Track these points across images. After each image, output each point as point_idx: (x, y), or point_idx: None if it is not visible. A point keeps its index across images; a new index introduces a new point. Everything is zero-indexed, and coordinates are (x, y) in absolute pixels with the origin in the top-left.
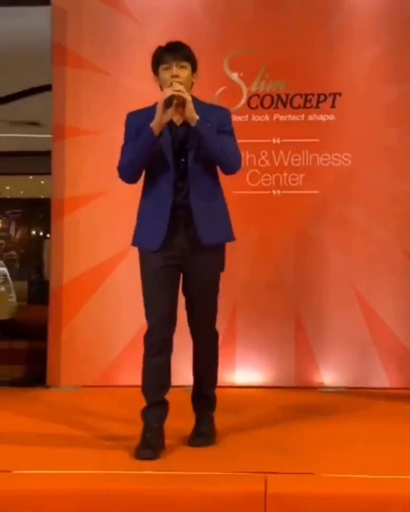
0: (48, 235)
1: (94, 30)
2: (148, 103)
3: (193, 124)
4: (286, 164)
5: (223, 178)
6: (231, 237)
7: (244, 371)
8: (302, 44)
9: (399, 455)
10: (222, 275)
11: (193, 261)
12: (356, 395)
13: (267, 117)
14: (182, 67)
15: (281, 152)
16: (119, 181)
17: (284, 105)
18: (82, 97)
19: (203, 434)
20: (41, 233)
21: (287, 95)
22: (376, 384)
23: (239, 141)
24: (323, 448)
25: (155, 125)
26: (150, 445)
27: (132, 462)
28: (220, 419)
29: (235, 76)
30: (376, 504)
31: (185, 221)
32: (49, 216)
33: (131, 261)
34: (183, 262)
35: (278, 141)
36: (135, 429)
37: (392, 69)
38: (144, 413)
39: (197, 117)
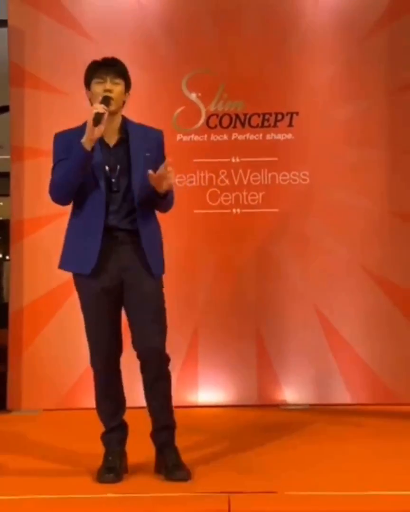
0: (7, 257)
1: (52, 51)
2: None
3: (162, 192)
4: (245, 182)
5: (184, 197)
6: (163, 268)
7: (206, 391)
8: (260, 63)
9: (362, 472)
10: (182, 294)
11: (136, 282)
12: (318, 412)
13: (225, 137)
14: (116, 83)
15: (240, 171)
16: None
17: (243, 124)
18: (41, 118)
19: (179, 465)
20: (0, 255)
21: (245, 115)
22: (338, 400)
23: (198, 160)
24: (286, 466)
25: (86, 140)
26: (113, 469)
27: (95, 485)
28: (183, 439)
29: (193, 96)
30: None
31: (120, 244)
32: (7, 238)
33: None
34: (124, 282)
35: (237, 160)
36: (98, 452)
37: (348, 88)
38: (104, 438)
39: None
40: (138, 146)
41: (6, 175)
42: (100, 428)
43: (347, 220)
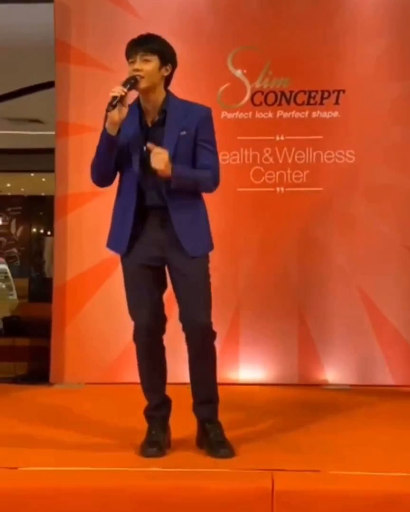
0: (48, 233)
1: (98, 27)
2: None
3: (167, 177)
4: (289, 161)
5: (228, 175)
6: (211, 246)
7: (247, 369)
8: (306, 40)
9: (404, 453)
10: (225, 273)
11: (176, 263)
12: (359, 393)
13: (270, 114)
14: (146, 60)
15: (285, 149)
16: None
17: (288, 102)
18: (85, 94)
19: (223, 442)
20: (41, 231)
21: (291, 92)
22: (379, 381)
23: (242, 138)
24: (329, 445)
25: (108, 124)
26: (156, 443)
27: (138, 459)
28: (225, 417)
29: (238, 72)
30: (382, 501)
31: (158, 222)
32: (50, 214)
33: None
34: (167, 260)
35: (282, 138)
36: (141, 426)
37: (396, 66)
38: (148, 412)
39: (169, 173)
40: (174, 124)
41: (48, 151)
42: (143, 402)
43: (392, 200)
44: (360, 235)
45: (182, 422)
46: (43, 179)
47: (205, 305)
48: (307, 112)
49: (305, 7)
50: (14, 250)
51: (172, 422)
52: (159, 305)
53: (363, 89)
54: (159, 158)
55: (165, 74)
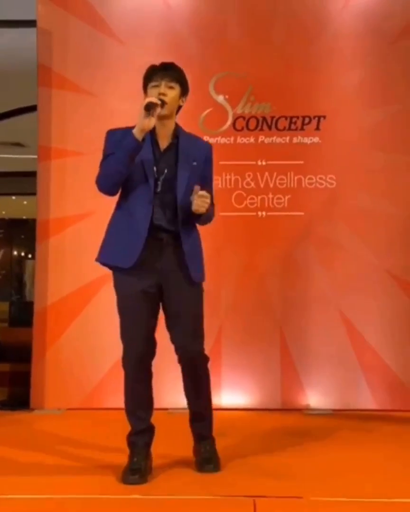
0: (30, 256)
1: (80, 52)
2: (131, 123)
3: (198, 212)
4: (271, 185)
5: None
6: (204, 275)
7: (229, 393)
8: (288, 66)
9: (387, 478)
10: (206, 297)
11: (176, 288)
12: (342, 418)
13: (252, 139)
14: (170, 87)
15: (266, 173)
16: (105, 202)
17: (269, 127)
18: (67, 118)
19: (210, 459)
20: (23, 254)
21: (272, 118)
22: (362, 406)
23: (224, 162)
24: (311, 471)
25: (137, 130)
26: (137, 470)
27: (119, 486)
28: None
29: (220, 98)
30: None
31: (163, 245)
32: (32, 237)
33: None
34: (164, 287)
35: (263, 163)
36: (121, 453)
37: (375, 93)
38: (130, 438)
39: (204, 210)
40: (186, 153)
41: (31, 174)
42: (124, 428)
43: (373, 224)
44: (341, 259)
45: (164, 450)
46: (25, 202)
47: (199, 332)
48: (288, 138)
49: (286, 34)
50: None
51: (154, 449)
52: (153, 330)
53: (343, 115)
54: (204, 201)
55: (181, 104)
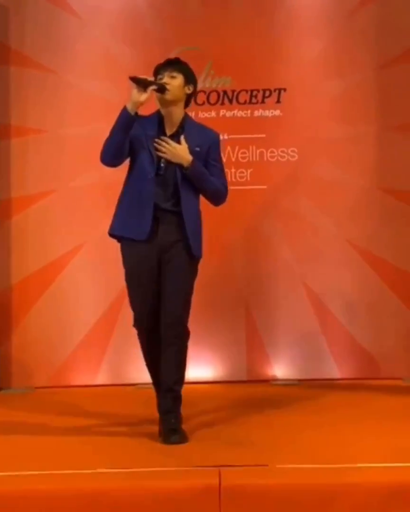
0: None
1: (37, 28)
2: (92, 98)
3: (185, 165)
4: (233, 159)
5: None
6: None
7: (195, 367)
8: (247, 39)
9: (351, 445)
10: None
11: (173, 258)
12: (308, 388)
13: (213, 113)
14: (172, 77)
15: (228, 147)
16: (67, 180)
17: (230, 101)
18: (26, 96)
19: (177, 430)
20: None
21: (233, 91)
22: (326, 375)
23: None
24: (276, 440)
25: (130, 103)
26: (177, 430)
27: (84, 461)
28: None
29: None
30: (330, 493)
31: (164, 222)
32: None
33: (82, 258)
34: (163, 260)
35: (225, 137)
36: (88, 428)
37: (334, 64)
38: (160, 402)
39: (189, 158)
40: (190, 139)
41: None
42: (92, 406)
43: (336, 196)
44: (304, 230)
45: (132, 421)
46: None
47: (188, 305)
48: (249, 111)
49: (245, 7)
50: None
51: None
52: (157, 300)
53: (304, 87)
54: (159, 147)
55: (188, 92)
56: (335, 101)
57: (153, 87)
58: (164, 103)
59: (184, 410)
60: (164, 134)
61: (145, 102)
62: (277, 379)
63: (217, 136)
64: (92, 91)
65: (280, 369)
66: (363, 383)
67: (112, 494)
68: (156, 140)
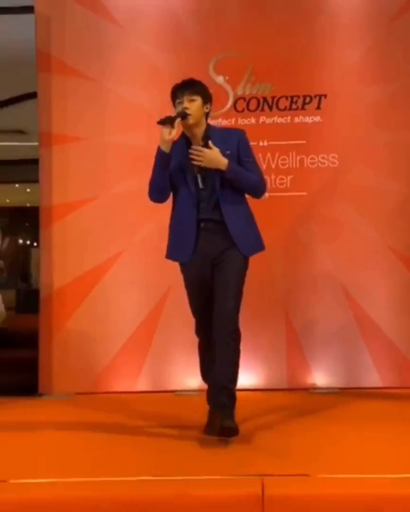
0: (35, 244)
1: (78, 37)
2: (132, 106)
3: (223, 169)
4: (273, 166)
5: None
6: (262, 246)
7: None
8: (287, 46)
9: (393, 455)
10: None
11: (225, 258)
12: (348, 396)
13: (253, 120)
14: (192, 100)
15: (268, 154)
16: (108, 187)
17: (270, 107)
18: (67, 104)
19: (231, 424)
20: (28, 242)
21: (273, 98)
22: (368, 383)
23: None
24: (318, 449)
25: (161, 142)
26: (231, 424)
27: (127, 468)
28: None
29: (220, 79)
30: (373, 503)
31: (211, 234)
32: (36, 224)
33: (121, 266)
34: (217, 263)
35: (265, 143)
36: (129, 435)
37: (376, 70)
38: (214, 397)
39: (225, 161)
40: (219, 146)
41: (33, 162)
42: (132, 410)
43: (375, 202)
44: (345, 237)
45: (174, 428)
46: (28, 190)
47: (235, 296)
48: (289, 117)
49: (285, 13)
50: (1, 262)
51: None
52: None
53: (344, 93)
54: (197, 154)
55: (207, 111)
56: (375, 107)
57: (178, 119)
58: (188, 126)
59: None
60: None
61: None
62: (317, 387)
63: (242, 132)
64: (132, 98)
65: (320, 377)
66: (405, 392)
67: (155, 502)
68: (189, 151)
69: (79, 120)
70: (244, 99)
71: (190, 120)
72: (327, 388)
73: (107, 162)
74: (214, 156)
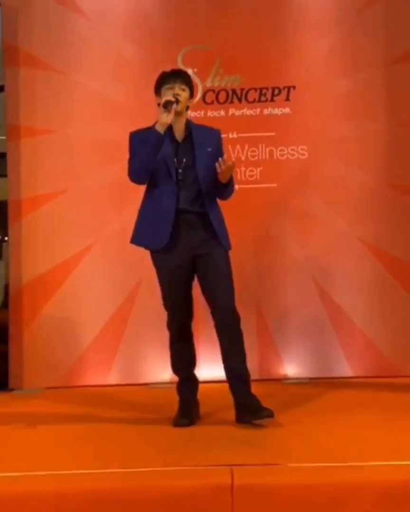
0: (5, 238)
1: (46, 29)
2: (101, 98)
3: (224, 181)
4: (243, 158)
5: None
6: (230, 245)
7: (207, 366)
8: (256, 38)
9: (363, 443)
10: None
11: (207, 252)
12: (319, 386)
13: (222, 112)
14: (182, 89)
15: (238, 146)
16: (77, 180)
17: (239, 99)
18: (35, 97)
19: (263, 406)
20: None
21: (242, 90)
22: (338, 373)
23: None
24: (288, 439)
25: (159, 125)
26: (187, 414)
27: (96, 460)
28: None
29: (189, 71)
30: (342, 492)
31: (191, 224)
32: (4, 218)
33: (91, 259)
34: (196, 255)
35: (235, 135)
36: (100, 428)
37: (344, 61)
38: (179, 387)
39: (227, 176)
40: (201, 142)
41: (1, 156)
42: (103, 406)
43: (346, 193)
44: (315, 228)
45: (145, 421)
46: None
47: (230, 291)
48: (258, 109)
49: (253, 5)
50: None
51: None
52: (190, 297)
53: (314, 84)
54: (229, 167)
55: (189, 103)
56: (344, 99)
57: (175, 105)
58: (175, 115)
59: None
60: (175, 141)
61: None
62: (288, 378)
63: (219, 132)
64: (100, 90)
65: (292, 367)
66: (376, 381)
67: (124, 493)
68: (220, 161)
69: (47, 113)
70: (213, 91)
71: (178, 107)
72: (298, 378)
73: (76, 155)
74: (233, 169)
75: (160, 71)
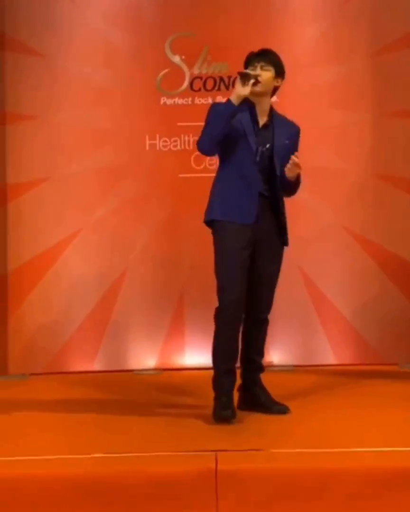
0: None
1: (32, 14)
2: (87, 84)
3: (290, 178)
4: None
5: (168, 161)
6: None
7: (193, 353)
8: (243, 25)
9: (346, 430)
10: (168, 259)
11: (268, 252)
12: (303, 373)
13: (210, 99)
14: (265, 70)
15: None
16: (63, 166)
17: (227, 87)
18: (21, 82)
19: (274, 401)
20: None
21: (229, 77)
22: (322, 361)
23: (182, 124)
24: (272, 424)
25: (234, 96)
26: (228, 407)
27: (81, 446)
28: (169, 400)
29: (177, 58)
30: (325, 477)
31: (265, 208)
32: None
33: (78, 245)
34: (259, 243)
35: None
36: (84, 414)
37: (330, 50)
38: (217, 381)
39: (293, 175)
40: (281, 133)
41: None
42: (89, 392)
43: (330, 183)
44: (300, 216)
45: (129, 407)
46: None
47: (272, 301)
48: None
49: None
50: None
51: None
52: (246, 286)
53: (299, 73)
54: (296, 167)
55: (277, 84)
56: (330, 87)
57: (253, 80)
58: (254, 94)
59: (180, 396)
60: (257, 124)
61: None
62: (273, 365)
63: (298, 130)
64: (87, 76)
65: (276, 355)
66: (359, 368)
67: (109, 479)
68: (292, 157)
69: (33, 98)
70: (201, 78)
71: (259, 87)
72: (282, 365)
73: (62, 141)
74: (299, 169)
75: (147, 58)
